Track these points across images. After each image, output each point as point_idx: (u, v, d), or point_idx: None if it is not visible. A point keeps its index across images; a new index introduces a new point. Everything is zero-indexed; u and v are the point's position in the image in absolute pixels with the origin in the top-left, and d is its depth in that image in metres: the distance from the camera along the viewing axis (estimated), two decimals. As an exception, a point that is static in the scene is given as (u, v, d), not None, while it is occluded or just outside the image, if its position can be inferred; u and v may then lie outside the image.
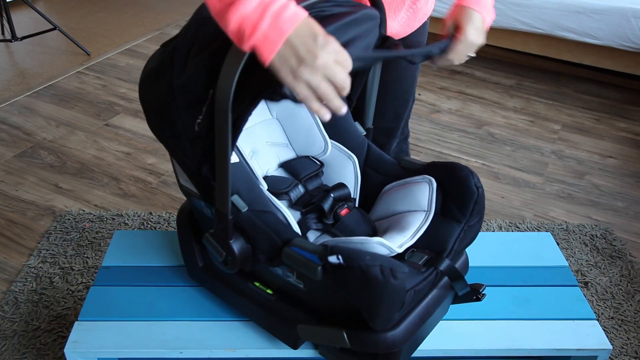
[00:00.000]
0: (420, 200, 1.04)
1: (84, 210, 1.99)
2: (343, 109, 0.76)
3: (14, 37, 3.07)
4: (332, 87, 0.74)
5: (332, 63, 0.73)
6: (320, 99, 0.75)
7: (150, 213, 1.98)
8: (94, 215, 1.96)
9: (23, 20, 3.62)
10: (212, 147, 0.84)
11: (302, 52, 0.72)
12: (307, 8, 0.82)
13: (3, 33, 3.38)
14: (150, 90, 0.93)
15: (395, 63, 1.31)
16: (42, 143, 2.39)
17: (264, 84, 0.79)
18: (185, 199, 1.11)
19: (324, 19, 0.82)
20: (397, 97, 1.37)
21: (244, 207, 0.90)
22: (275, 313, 1.02)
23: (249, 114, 0.80)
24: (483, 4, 1.06)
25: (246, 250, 0.92)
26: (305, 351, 1.04)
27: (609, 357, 1.51)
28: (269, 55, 0.73)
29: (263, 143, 1.15)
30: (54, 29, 3.21)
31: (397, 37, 1.23)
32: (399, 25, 1.21)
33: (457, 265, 1.06)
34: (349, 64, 0.75)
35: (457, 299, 1.04)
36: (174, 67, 0.86)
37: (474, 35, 1.03)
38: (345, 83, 0.74)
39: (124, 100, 2.75)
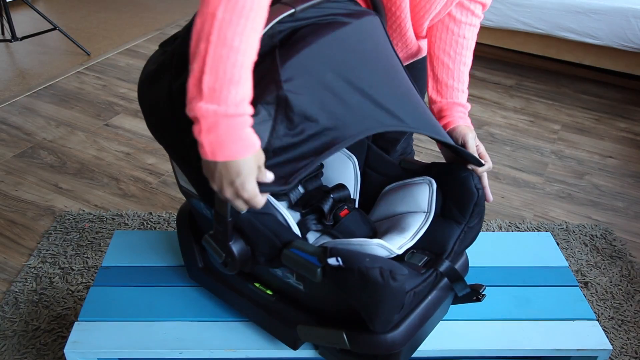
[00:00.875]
0: (420, 202, 1.04)
1: (84, 210, 1.99)
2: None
3: (14, 37, 3.07)
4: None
5: (250, 198, 0.79)
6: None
7: (150, 213, 1.98)
8: (94, 215, 1.96)
9: (23, 20, 3.62)
10: None
11: (228, 178, 0.77)
12: (304, 10, 0.83)
13: (3, 33, 3.38)
14: (150, 92, 0.93)
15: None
16: (42, 143, 2.39)
17: (263, 89, 0.79)
18: (185, 199, 1.11)
19: (327, 26, 0.82)
20: None
21: None
22: (275, 314, 1.02)
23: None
24: (463, 117, 1.13)
25: (245, 252, 0.92)
26: (305, 351, 1.04)
27: (609, 358, 1.51)
28: (205, 157, 0.76)
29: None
30: (54, 29, 3.21)
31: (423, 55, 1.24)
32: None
33: (457, 266, 1.06)
34: (257, 205, 0.81)
35: (457, 300, 1.04)
36: (173, 70, 0.86)
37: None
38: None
39: (124, 100, 2.75)
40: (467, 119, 1.13)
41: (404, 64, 1.14)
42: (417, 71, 1.28)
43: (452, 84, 1.13)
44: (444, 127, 1.11)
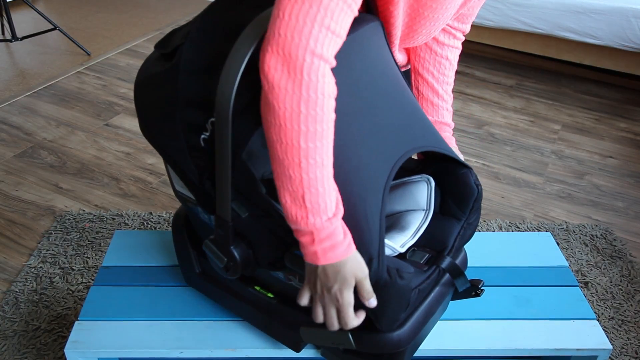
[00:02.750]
0: (419, 199, 1.04)
1: (84, 210, 1.99)
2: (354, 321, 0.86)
3: (14, 37, 3.07)
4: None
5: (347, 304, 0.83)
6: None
7: (150, 213, 1.98)
8: (94, 215, 1.96)
9: (23, 20, 3.62)
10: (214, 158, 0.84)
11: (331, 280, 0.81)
12: None
13: (3, 33, 3.38)
14: (149, 95, 0.91)
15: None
16: (42, 143, 2.39)
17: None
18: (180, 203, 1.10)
19: None
20: None
21: (244, 213, 0.90)
22: (276, 316, 1.01)
23: (254, 133, 0.80)
24: (451, 137, 1.18)
25: (248, 256, 0.92)
26: (305, 351, 1.04)
27: (609, 357, 1.51)
28: (316, 262, 0.80)
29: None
30: (54, 29, 3.21)
31: None
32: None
33: (457, 262, 1.06)
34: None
35: (457, 295, 1.05)
36: (179, 80, 0.85)
37: None
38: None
39: (124, 100, 2.75)
40: (453, 139, 1.17)
41: None
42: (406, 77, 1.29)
43: (437, 102, 1.15)
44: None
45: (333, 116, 0.76)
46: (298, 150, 0.74)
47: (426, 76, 1.14)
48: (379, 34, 0.90)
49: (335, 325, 0.86)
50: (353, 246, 0.80)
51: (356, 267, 0.81)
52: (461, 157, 1.12)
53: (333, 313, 0.85)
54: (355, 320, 0.85)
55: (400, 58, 1.10)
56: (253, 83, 0.76)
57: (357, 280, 0.82)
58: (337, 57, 0.79)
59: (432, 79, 1.14)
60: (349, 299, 0.82)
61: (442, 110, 1.16)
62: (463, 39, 1.15)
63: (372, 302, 0.83)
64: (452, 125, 1.18)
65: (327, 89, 0.73)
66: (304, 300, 0.87)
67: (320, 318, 0.86)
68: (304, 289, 0.86)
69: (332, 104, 0.75)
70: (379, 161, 0.83)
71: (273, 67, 0.71)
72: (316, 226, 0.77)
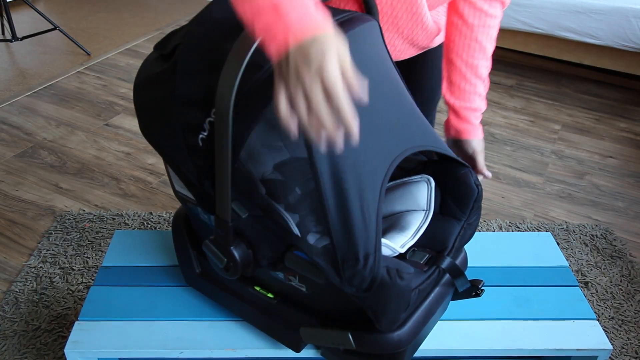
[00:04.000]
0: (419, 200, 1.04)
1: (84, 210, 1.99)
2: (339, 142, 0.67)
3: (14, 37, 3.07)
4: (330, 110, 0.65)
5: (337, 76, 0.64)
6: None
7: (151, 213, 1.98)
8: (94, 215, 1.96)
9: (23, 20, 3.62)
10: (214, 158, 0.83)
11: (314, 56, 0.64)
12: None
13: (3, 33, 3.38)
14: (148, 95, 0.92)
15: (423, 61, 1.25)
16: (42, 143, 2.39)
17: (264, 101, 0.78)
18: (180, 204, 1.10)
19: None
20: (422, 95, 1.30)
21: (244, 213, 0.90)
22: (277, 317, 1.01)
23: (251, 130, 0.80)
24: (477, 125, 1.16)
25: (247, 256, 0.92)
26: (306, 351, 1.04)
27: (609, 357, 1.51)
28: (290, 42, 0.64)
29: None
30: (54, 29, 3.21)
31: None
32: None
33: (457, 262, 1.06)
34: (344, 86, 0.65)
35: (457, 295, 1.05)
36: (176, 80, 0.85)
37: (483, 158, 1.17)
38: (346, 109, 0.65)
39: (124, 100, 2.76)
40: (480, 127, 1.15)
41: (427, 48, 1.16)
42: (432, 62, 1.26)
43: (465, 86, 1.13)
44: (459, 133, 1.15)
45: None
46: None
47: (455, 60, 1.12)
48: (375, 33, 0.90)
49: (323, 111, 0.64)
50: (331, 24, 0.66)
51: (338, 42, 0.65)
52: (480, 157, 1.13)
53: (318, 93, 0.63)
54: (349, 103, 0.64)
55: (431, 23, 1.07)
56: (249, 81, 0.76)
57: (339, 56, 0.64)
58: None
59: (461, 62, 1.12)
60: (334, 71, 0.63)
61: (470, 95, 1.13)
62: (498, 16, 1.10)
63: (340, 92, 0.64)
64: (482, 108, 1.14)
65: None
66: (282, 105, 0.66)
67: (302, 109, 0.65)
68: (278, 89, 0.66)
69: None
70: (377, 159, 0.83)
71: None
72: None
